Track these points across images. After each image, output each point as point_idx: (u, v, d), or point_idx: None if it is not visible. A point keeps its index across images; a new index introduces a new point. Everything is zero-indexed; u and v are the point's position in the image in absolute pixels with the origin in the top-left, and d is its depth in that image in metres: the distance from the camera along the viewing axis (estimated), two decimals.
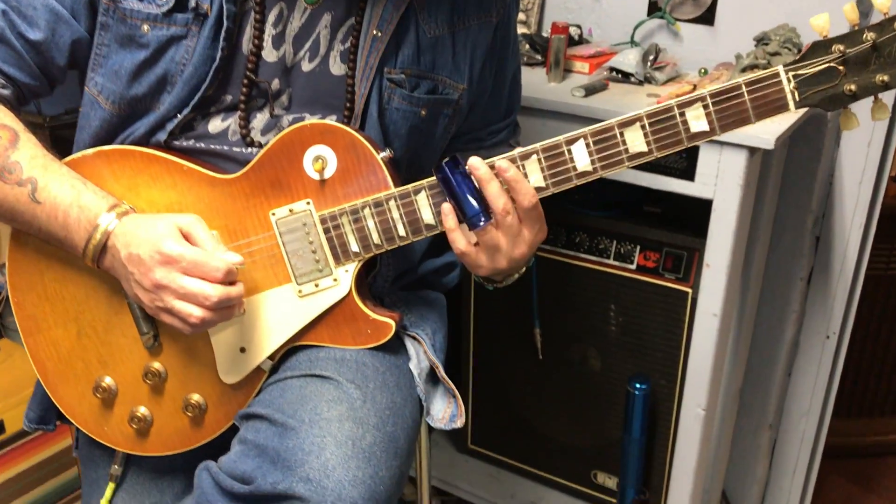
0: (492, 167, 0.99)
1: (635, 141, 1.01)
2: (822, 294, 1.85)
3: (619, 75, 1.69)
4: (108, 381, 1.12)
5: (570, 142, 1.01)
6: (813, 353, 1.91)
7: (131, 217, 1.02)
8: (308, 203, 1.06)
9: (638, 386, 1.72)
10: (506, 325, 1.89)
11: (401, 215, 1.05)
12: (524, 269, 1.09)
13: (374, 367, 1.06)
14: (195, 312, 0.97)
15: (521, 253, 1.02)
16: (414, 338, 1.17)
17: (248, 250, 1.08)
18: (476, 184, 1.00)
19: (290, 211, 1.07)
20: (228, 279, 0.98)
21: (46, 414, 1.24)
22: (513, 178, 0.99)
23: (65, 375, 1.13)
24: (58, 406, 1.15)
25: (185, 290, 0.96)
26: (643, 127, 1.00)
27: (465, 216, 1.01)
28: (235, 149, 1.11)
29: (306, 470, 0.91)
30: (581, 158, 1.01)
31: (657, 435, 1.78)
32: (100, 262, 1.03)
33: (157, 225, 0.99)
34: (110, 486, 1.18)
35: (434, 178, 1.04)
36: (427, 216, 1.05)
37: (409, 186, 1.04)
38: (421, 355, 1.14)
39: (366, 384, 1.03)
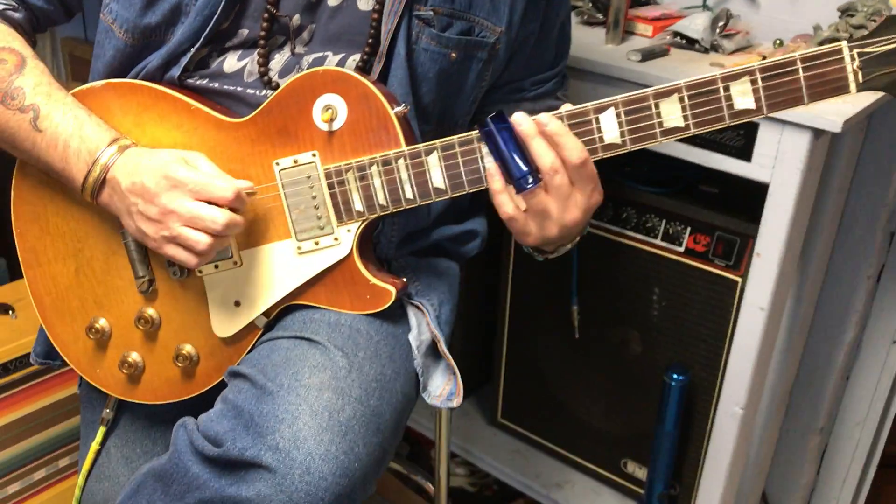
0: (533, 121, 0.91)
1: (671, 114, 0.90)
2: (893, 295, 1.70)
3: (683, 41, 1.56)
4: (101, 322, 1.09)
5: (599, 110, 0.92)
6: (876, 357, 1.77)
7: (133, 150, 0.98)
8: (314, 155, 1.00)
9: (675, 377, 1.61)
10: (543, 299, 1.80)
11: (409, 176, 0.97)
12: (577, 238, 1.01)
13: (367, 335, 1.00)
14: (202, 239, 0.92)
15: (573, 219, 0.93)
16: (418, 307, 1.10)
17: (250, 199, 1.02)
18: (519, 141, 0.92)
19: (295, 162, 1.00)
20: (237, 204, 0.94)
21: (52, 349, 1.22)
22: (556, 131, 0.90)
23: (61, 312, 1.10)
24: (52, 343, 1.12)
25: (193, 213, 0.92)
26: (681, 99, 0.90)
27: (511, 177, 0.93)
28: (250, 91, 1.05)
29: (276, 438, 0.86)
30: (609, 129, 0.92)
31: (693, 429, 1.67)
32: (98, 197, 0.99)
33: (161, 154, 0.95)
34: (101, 430, 1.15)
35: (448, 139, 0.96)
36: (437, 179, 0.97)
37: (421, 146, 0.97)
38: (423, 326, 1.07)
39: (355, 352, 0.96)
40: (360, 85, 0.98)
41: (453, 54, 1.06)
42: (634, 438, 1.78)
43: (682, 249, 1.58)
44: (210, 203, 0.93)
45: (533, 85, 1.20)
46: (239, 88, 1.05)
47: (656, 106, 0.90)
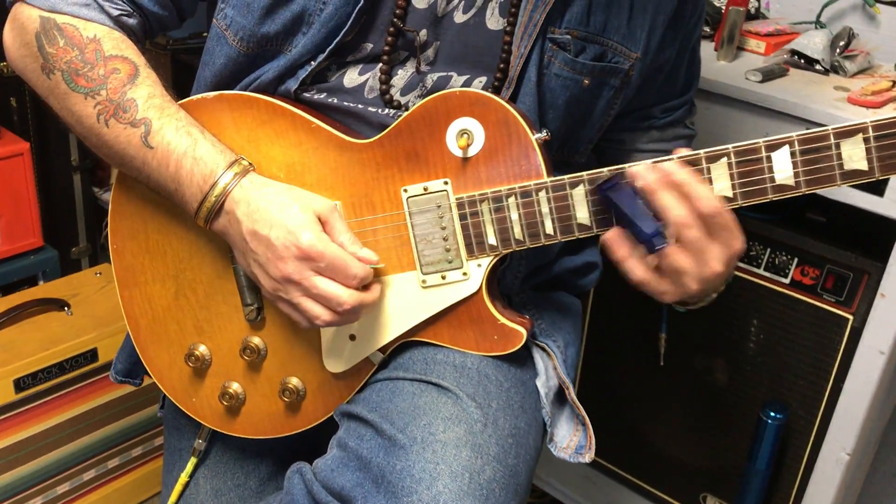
0: (657, 171, 0.82)
1: (854, 156, 0.82)
2: None
3: (802, 60, 1.47)
4: (202, 349, 1.02)
5: (772, 147, 0.83)
6: None
7: (252, 179, 0.90)
8: (446, 183, 0.92)
9: (773, 414, 1.53)
10: (627, 323, 1.72)
11: (550, 210, 0.89)
12: (723, 287, 0.92)
13: (497, 382, 0.92)
14: (322, 315, 0.86)
15: (713, 272, 0.83)
16: (543, 349, 1.02)
17: (373, 228, 0.94)
18: (643, 197, 0.83)
19: (425, 189, 0.92)
20: (363, 284, 0.86)
21: (135, 368, 1.16)
22: (682, 181, 0.81)
23: (157, 336, 1.03)
24: (146, 367, 1.05)
25: (319, 291, 0.85)
26: (867, 140, 0.81)
27: (639, 239, 0.84)
28: (371, 109, 0.97)
29: (413, 501, 0.78)
30: (783, 169, 0.83)
31: (783, 469, 1.59)
32: (212, 224, 0.91)
33: (293, 209, 0.87)
34: (192, 461, 1.09)
35: (597, 171, 0.88)
36: (582, 215, 0.89)
37: (566, 178, 0.89)
38: (550, 371, 1.00)
39: (488, 402, 0.89)
40: (501, 109, 0.90)
41: (586, 81, 0.98)
42: (717, 472, 1.70)
43: (787, 281, 1.49)
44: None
45: (663, 112, 1.12)
46: (360, 106, 0.98)
47: (837, 146, 0.82)
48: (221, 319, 1.01)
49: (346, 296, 0.85)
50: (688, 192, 0.81)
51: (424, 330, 0.96)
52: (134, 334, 1.05)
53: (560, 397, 1.01)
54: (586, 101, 1.00)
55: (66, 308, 1.85)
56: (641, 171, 0.82)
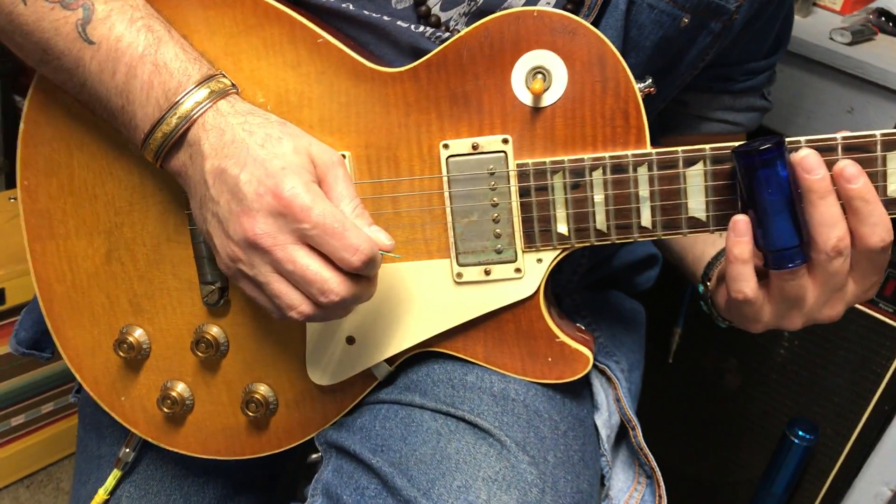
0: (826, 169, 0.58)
1: None
2: None
3: (890, 23, 1.23)
4: (138, 334, 0.74)
5: (890, 145, 0.59)
6: None
7: (234, 103, 0.62)
8: (505, 141, 0.65)
9: (801, 433, 1.33)
10: None
11: (652, 194, 0.64)
12: None
13: (551, 423, 0.67)
14: (298, 305, 0.58)
15: (829, 315, 0.63)
16: (603, 372, 0.77)
17: (393, 195, 0.67)
18: (795, 194, 0.59)
19: (474, 147, 0.66)
20: (367, 271, 0.59)
21: (44, 338, 0.88)
22: (863, 194, 0.58)
23: (78, 310, 0.75)
24: (59, 350, 0.77)
25: (296, 267, 0.57)
26: None
27: (767, 244, 0.60)
28: (400, 23, 0.70)
29: None
30: None
31: (800, 493, 1.40)
32: (165, 161, 0.63)
33: (281, 145, 0.59)
34: (114, 474, 0.82)
35: (723, 146, 0.62)
36: (696, 205, 0.64)
37: (680, 150, 0.63)
38: (612, 404, 0.75)
39: (543, 455, 0.64)
40: (597, 43, 0.63)
41: (685, 19, 0.72)
42: (723, 488, 1.50)
43: None
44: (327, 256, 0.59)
45: (743, 75, 0.87)
46: (384, 17, 0.70)
47: None
48: (168, 297, 0.73)
49: (335, 282, 0.57)
50: (860, 209, 0.58)
51: (451, 339, 0.70)
52: (45, 303, 0.76)
53: (617, 436, 0.77)
54: (677, 47, 0.75)
55: None
56: (814, 163, 0.57)
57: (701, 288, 0.73)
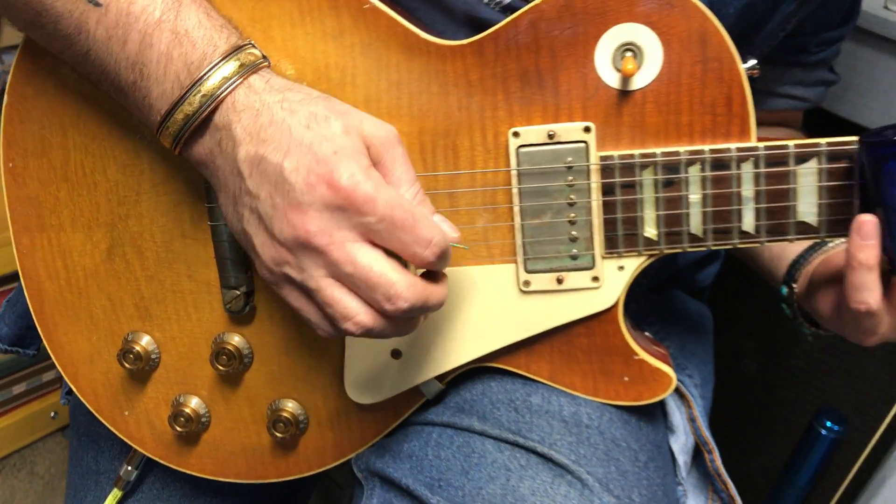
0: None
1: None
2: None
3: None
4: (145, 342, 0.64)
5: None
6: None
7: (268, 79, 0.52)
8: (587, 130, 0.56)
9: (829, 424, 1.27)
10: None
11: (757, 194, 0.55)
12: None
13: (630, 453, 0.59)
14: (358, 315, 0.48)
15: None
16: (676, 389, 0.68)
17: (450, 190, 0.58)
18: None
19: (550, 137, 0.56)
20: (439, 265, 0.49)
21: (30, 334, 0.78)
22: None
23: (73, 313, 0.65)
24: (52, 358, 0.67)
25: (361, 272, 0.48)
26: None
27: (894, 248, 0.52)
28: None
29: None
30: None
31: (821, 487, 1.35)
32: (186, 147, 0.53)
33: (330, 125, 0.49)
34: (114, 494, 0.72)
35: (838, 140, 0.54)
36: (807, 207, 0.55)
37: (791, 144, 0.54)
38: (685, 425, 0.67)
39: (628, 494, 0.56)
40: (697, 16, 0.54)
41: None
42: (739, 477, 1.44)
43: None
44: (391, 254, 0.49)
45: (817, 46, 0.79)
46: None
47: None
48: (182, 302, 0.63)
49: (403, 285, 0.48)
50: None
51: (511, 354, 0.61)
52: (34, 304, 0.66)
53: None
54: (759, 14, 0.67)
55: None
56: None
57: (785, 290, 0.65)
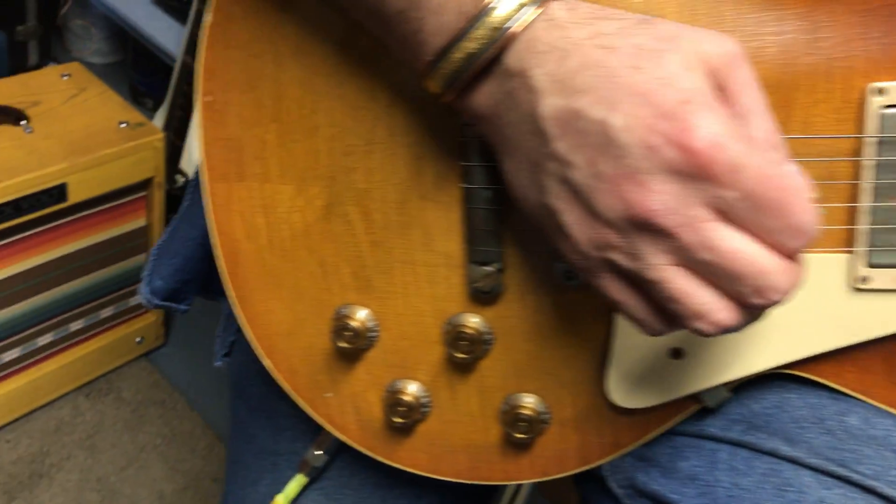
0: None
1: None
2: None
3: None
4: (362, 316, 0.54)
5: None
6: None
7: (573, 7, 0.39)
8: None
9: None
10: None
11: None
12: None
13: None
14: (717, 315, 0.38)
15: None
16: None
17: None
18: None
19: None
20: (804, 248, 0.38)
21: (184, 288, 0.68)
22: None
23: (274, 277, 0.55)
24: (242, 322, 0.57)
25: (724, 260, 0.36)
26: None
27: None
28: None
29: None
30: None
31: None
32: (463, 95, 0.42)
33: (664, 58, 0.37)
34: (298, 479, 0.63)
35: None
36: None
37: None
38: None
39: None
40: None
41: None
42: None
43: None
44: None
45: None
46: None
47: None
48: (412, 275, 0.53)
49: (778, 274, 0.37)
50: None
51: (817, 360, 0.50)
52: (228, 264, 0.56)
53: None
54: None
55: (22, 122, 1.36)
56: None
57: None
